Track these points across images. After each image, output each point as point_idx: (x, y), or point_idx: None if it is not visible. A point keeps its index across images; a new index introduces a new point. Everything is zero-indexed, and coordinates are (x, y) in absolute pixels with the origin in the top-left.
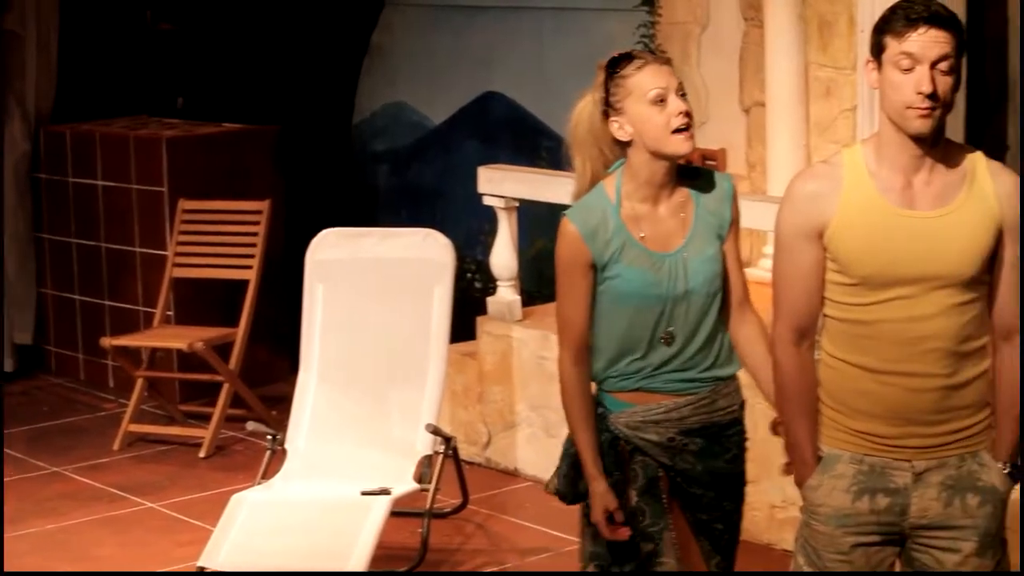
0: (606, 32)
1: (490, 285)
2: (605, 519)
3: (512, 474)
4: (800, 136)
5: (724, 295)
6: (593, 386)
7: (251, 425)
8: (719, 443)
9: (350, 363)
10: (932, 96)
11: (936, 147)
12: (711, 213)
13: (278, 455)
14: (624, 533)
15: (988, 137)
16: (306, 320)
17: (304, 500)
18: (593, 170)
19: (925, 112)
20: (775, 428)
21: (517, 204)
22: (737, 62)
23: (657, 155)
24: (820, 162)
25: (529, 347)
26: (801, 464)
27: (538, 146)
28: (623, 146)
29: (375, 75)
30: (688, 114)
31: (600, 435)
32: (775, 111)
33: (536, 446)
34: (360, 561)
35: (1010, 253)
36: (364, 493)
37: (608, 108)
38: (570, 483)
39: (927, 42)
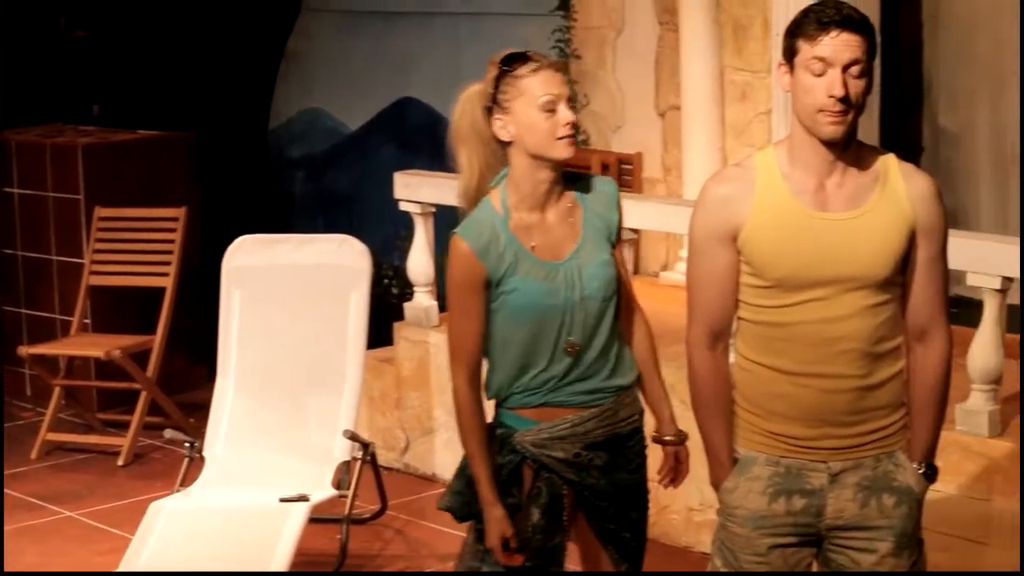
0: (522, 37)
1: (407, 291)
2: (500, 545)
3: (430, 479)
4: (716, 139)
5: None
6: (491, 405)
7: (169, 433)
8: (622, 455)
9: (267, 370)
10: (844, 100)
11: (848, 150)
12: (599, 217)
13: (196, 463)
14: (518, 560)
15: (902, 139)
16: (223, 327)
17: (222, 507)
18: (480, 167)
19: (836, 119)
20: (656, 439)
21: (433, 210)
22: (653, 66)
23: (537, 158)
24: (733, 165)
25: (446, 352)
26: (717, 466)
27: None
28: (503, 146)
29: (291, 81)
30: (574, 124)
31: (504, 456)
32: (691, 115)
33: (454, 451)
34: (279, 567)
35: (923, 254)
36: (282, 500)
37: (494, 105)
38: (463, 501)
39: (839, 46)
